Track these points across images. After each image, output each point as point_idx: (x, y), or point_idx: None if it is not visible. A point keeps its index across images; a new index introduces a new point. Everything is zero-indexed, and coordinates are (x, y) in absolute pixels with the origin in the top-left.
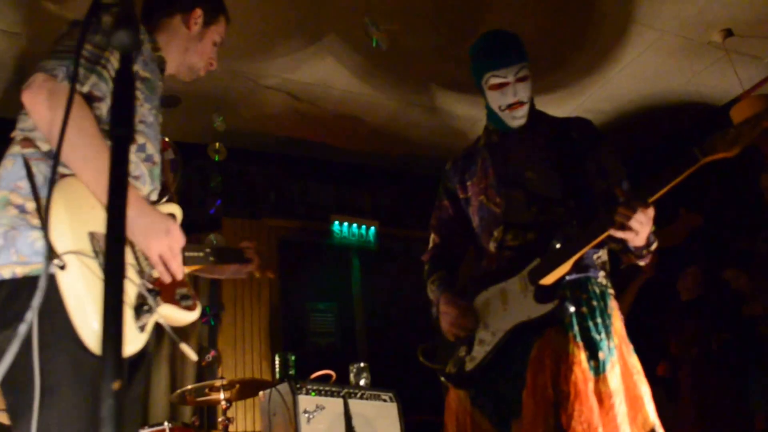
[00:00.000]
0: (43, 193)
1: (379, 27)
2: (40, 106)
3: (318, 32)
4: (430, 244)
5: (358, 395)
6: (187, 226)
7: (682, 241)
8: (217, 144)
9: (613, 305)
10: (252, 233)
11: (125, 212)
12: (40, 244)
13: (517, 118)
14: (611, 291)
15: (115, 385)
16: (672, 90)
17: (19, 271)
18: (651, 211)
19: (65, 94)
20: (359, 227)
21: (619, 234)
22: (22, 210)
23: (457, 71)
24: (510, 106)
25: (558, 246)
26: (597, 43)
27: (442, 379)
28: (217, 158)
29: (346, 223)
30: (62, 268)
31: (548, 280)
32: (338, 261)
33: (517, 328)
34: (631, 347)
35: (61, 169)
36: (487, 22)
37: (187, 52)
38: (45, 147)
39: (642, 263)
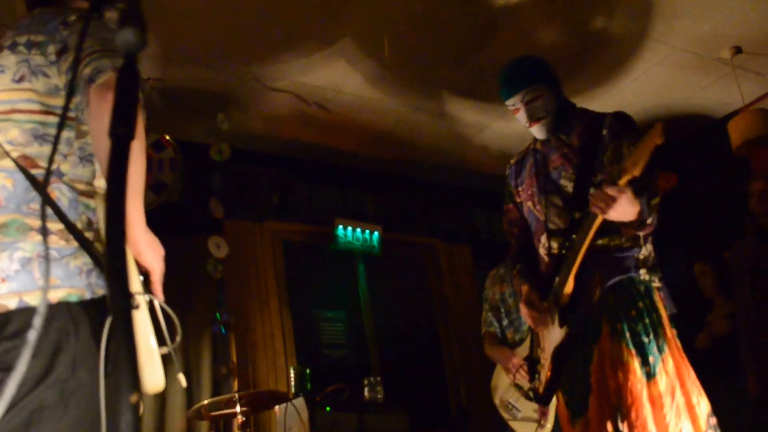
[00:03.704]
0: (71, 216)
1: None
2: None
3: (332, 36)
4: (512, 245)
5: (372, 410)
6: (188, 228)
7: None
8: (222, 144)
9: (657, 298)
10: (254, 236)
11: (124, 218)
12: (74, 265)
13: (539, 132)
14: (656, 284)
15: (133, 398)
16: (675, 102)
17: (51, 296)
18: (620, 190)
19: None
20: (363, 232)
21: (598, 212)
22: (45, 233)
23: (467, 78)
24: (530, 124)
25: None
26: (610, 56)
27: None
28: (218, 158)
29: (350, 228)
30: (136, 307)
31: (564, 299)
32: (343, 266)
33: (557, 351)
34: (674, 332)
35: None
36: (500, 31)
37: None
38: (51, 166)
39: (642, 233)
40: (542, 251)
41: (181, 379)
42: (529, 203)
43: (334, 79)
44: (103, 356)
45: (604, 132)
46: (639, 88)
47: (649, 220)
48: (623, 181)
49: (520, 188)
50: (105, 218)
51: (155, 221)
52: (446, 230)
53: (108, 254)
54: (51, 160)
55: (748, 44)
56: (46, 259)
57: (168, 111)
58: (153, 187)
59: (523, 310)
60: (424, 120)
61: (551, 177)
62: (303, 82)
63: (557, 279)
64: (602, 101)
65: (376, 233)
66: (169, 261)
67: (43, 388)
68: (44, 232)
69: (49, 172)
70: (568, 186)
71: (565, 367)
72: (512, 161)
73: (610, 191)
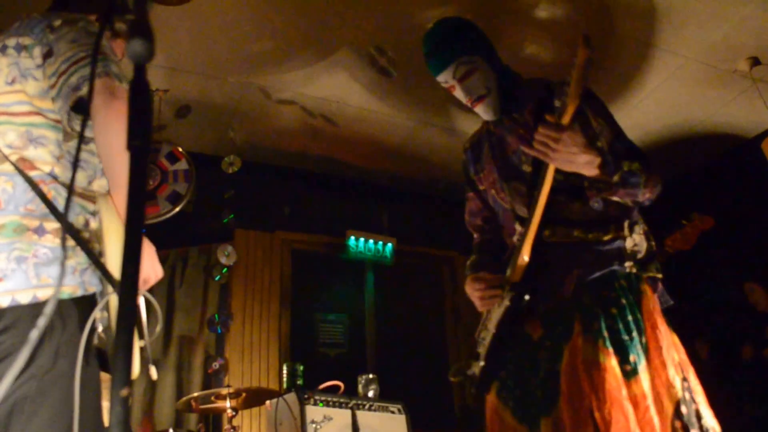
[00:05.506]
0: (69, 216)
1: (386, 53)
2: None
3: (330, 46)
4: (474, 238)
5: (366, 407)
6: (200, 237)
7: (693, 244)
8: (232, 156)
9: (644, 289)
10: (264, 244)
11: (142, 225)
12: (69, 264)
13: (485, 113)
14: (644, 275)
15: (123, 392)
16: (699, 120)
17: (41, 295)
18: (561, 127)
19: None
20: (376, 243)
21: (539, 155)
22: (41, 233)
23: None
24: (472, 105)
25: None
26: (618, 67)
27: (472, 390)
28: (230, 171)
29: (362, 239)
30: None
31: (517, 272)
32: (352, 275)
33: (500, 325)
34: (660, 330)
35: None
36: (502, 44)
37: None
38: (47, 168)
39: (616, 198)
40: (516, 238)
41: (152, 371)
42: (493, 191)
43: (337, 91)
44: (82, 348)
45: (557, 104)
46: (655, 104)
47: (616, 177)
48: (566, 117)
49: (480, 175)
50: (125, 225)
51: (167, 231)
52: (466, 243)
53: (123, 258)
54: (75, 167)
55: (766, 55)
56: (62, 264)
57: (178, 123)
58: (169, 198)
59: (469, 287)
60: (433, 135)
61: (511, 162)
62: (306, 94)
63: (513, 253)
64: (617, 118)
65: (389, 245)
66: (178, 268)
67: (24, 379)
68: (64, 237)
69: (73, 179)
70: (529, 170)
71: (510, 366)
72: (466, 145)
73: (550, 129)
